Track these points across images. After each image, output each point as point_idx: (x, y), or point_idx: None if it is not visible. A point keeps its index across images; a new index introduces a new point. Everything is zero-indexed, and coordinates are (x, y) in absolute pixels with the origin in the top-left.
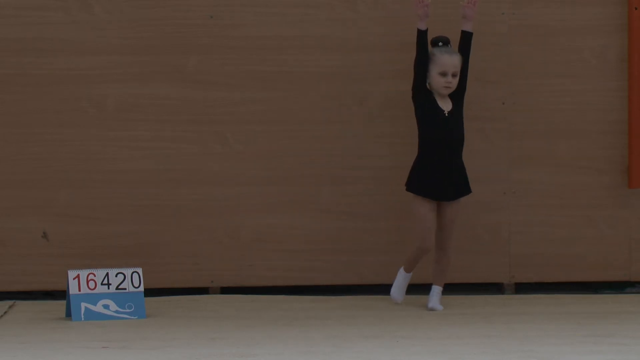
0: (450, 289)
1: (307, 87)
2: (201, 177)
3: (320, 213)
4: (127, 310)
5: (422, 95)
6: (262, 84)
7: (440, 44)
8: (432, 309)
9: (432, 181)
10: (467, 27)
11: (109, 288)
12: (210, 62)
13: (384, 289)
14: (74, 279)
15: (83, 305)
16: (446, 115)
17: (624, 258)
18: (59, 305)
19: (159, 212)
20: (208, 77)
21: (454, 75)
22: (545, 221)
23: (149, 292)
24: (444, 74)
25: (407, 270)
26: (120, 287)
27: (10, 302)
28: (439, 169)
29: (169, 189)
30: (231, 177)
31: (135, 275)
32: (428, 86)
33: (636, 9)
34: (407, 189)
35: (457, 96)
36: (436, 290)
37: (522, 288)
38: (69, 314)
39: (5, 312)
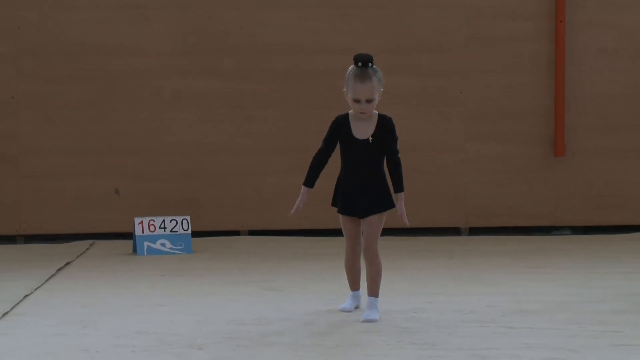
0: (419, 232)
1: (315, 81)
2: (234, 148)
3: (325, 175)
4: (179, 247)
5: None
6: (280, 78)
7: (359, 64)
8: (366, 321)
9: None
10: (397, 195)
11: (165, 231)
12: (241, 62)
13: None
14: (138, 224)
15: (145, 243)
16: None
17: (551, 208)
18: (128, 243)
19: (202, 174)
20: (239, 74)
21: (368, 101)
22: (492, 181)
23: (195, 234)
24: (357, 101)
25: None
26: (173, 230)
27: (90, 242)
28: None
29: (211, 156)
30: (257, 148)
31: (184, 221)
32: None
33: (561, 21)
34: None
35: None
36: (370, 300)
37: (475, 231)
38: (135, 250)
39: (87, 249)
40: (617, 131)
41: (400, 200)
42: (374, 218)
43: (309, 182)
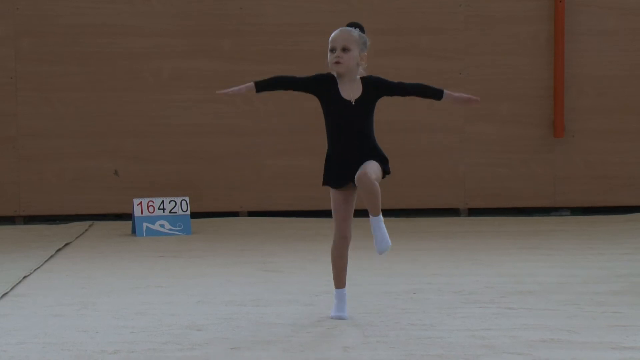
0: (419, 213)
1: (313, 61)
2: (233, 129)
3: (323, 155)
4: (178, 228)
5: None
6: (279, 58)
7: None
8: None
9: None
10: (444, 98)
11: (164, 212)
12: (240, 43)
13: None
14: (137, 204)
15: (144, 224)
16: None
17: (550, 190)
18: (127, 224)
19: (201, 156)
20: (238, 54)
21: (344, 50)
22: (491, 162)
23: (194, 215)
24: (332, 50)
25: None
26: (172, 211)
27: (90, 222)
28: None
29: (209, 138)
30: (256, 129)
31: (183, 202)
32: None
33: (561, 1)
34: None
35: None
36: (375, 220)
37: (474, 212)
38: (134, 231)
39: (86, 230)
40: (616, 112)
41: (450, 93)
42: (372, 162)
43: (261, 85)
